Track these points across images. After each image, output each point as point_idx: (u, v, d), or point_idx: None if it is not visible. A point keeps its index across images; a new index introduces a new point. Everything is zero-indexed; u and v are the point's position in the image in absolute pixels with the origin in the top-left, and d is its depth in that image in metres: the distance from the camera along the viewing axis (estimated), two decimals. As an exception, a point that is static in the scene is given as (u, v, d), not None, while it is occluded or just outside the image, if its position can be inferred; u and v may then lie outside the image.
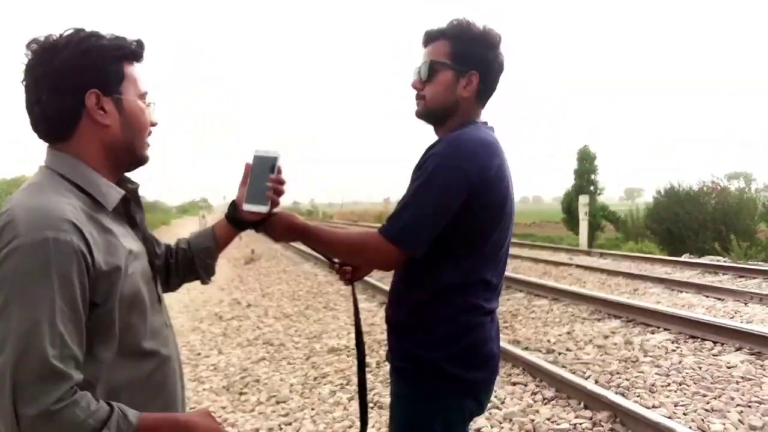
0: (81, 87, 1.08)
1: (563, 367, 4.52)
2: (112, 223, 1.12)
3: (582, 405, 3.74)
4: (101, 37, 1.12)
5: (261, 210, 1.41)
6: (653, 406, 3.70)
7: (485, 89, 1.56)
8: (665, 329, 5.55)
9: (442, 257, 1.45)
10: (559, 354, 4.96)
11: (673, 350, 4.93)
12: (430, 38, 1.56)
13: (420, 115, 1.59)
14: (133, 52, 1.16)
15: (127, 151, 1.18)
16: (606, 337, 5.44)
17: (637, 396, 3.91)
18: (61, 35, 1.09)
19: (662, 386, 4.09)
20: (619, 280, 9.25)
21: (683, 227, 16.50)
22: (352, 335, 5.74)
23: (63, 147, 1.12)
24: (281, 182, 1.41)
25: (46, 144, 1.15)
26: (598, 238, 18.53)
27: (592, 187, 19.18)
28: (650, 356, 4.76)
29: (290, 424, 3.84)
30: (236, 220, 1.46)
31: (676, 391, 3.99)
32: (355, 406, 4.01)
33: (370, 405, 4.01)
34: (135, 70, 1.18)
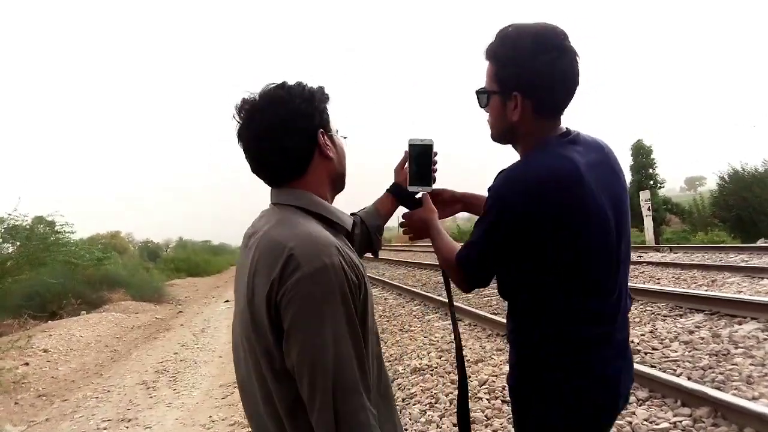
0: (312, 128, 1.26)
1: (652, 366, 4.46)
2: (349, 245, 1.28)
3: (679, 403, 3.70)
4: (306, 85, 1.29)
5: (426, 189, 1.69)
6: (753, 398, 3.61)
7: (542, 104, 1.40)
8: (752, 318, 5.40)
9: (539, 298, 1.39)
10: (645, 354, 4.88)
11: (765, 339, 4.78)
12: (485, 58, 1.46)
13: (492, 139, 1.55)
14: (327, 96, 1.33)
15: (341, 179, 1.38)
16: (691, 332, 5.32)
17: (735, 389, 3.82)
18: (273, 89, 1.26)
19: (759, 377, 3.98)
20: (695, 273, 8.98)
21: (754, 211, 15.89)
22: (433, 355, 5.85)
23: (294, 184, 1.28)
24: (434, 162, 1.69)
25: (277, 186, 1.30)
26: (664, 232, 18.01)
27: (651, 182, 18.71)
28: (741, 347, 4.64)
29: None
30: (403, 198, 1.73)
31: (775, 381, 3.88)
32: (447, 423, 4.07)
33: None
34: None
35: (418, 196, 1.71)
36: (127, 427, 5.34)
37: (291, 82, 1.30)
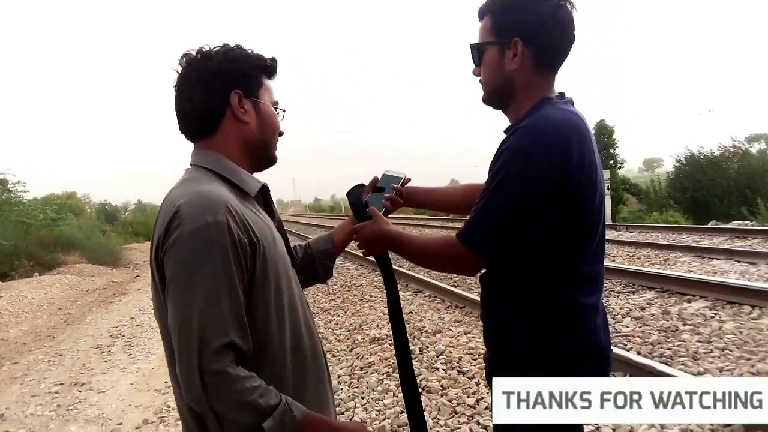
0: (227, 88, 1.25)
1: (604, 341, 4.58)
2: (257, 208, 1.28)
3: (627, 376, 3.81)
4: (245, 49, 1.29)
5: (376, 209, 1.57)
6: (699, 373, 3.77)
7: (542, 53, 1.34)
8: (701, 297, 5.60)
9: (536, 258, 1.30)
10: (598, 329, 5.01)
11: (712, 317, 4.98)
12: (479, 18, 1.42)
13: (483, 102, 1.45)
14: (270, 66, 1.33)
15: (262, 149, 1.34)
16: (642, 308, 5.50)
17: (681, 364, 3.97)
18: (211, 48, 1.27)
19: (705, 353, 4.15)
20: (648, 251, 9.25)
21: (707, 194, 16.39)
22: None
23: (208, 144, 1.28)
24: (400, 194, 1.63)
25: (193, 144, 1.31)
26: (621, 211, 18.45)
27: (612, 161, 19.10)
28: (689, 324, 4.82)
29: (343, 413, 3.94)
30: (358, 209, 1.62)
31: (719, 357, 4.06)
32: (404, 392, 4.12)
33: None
34: (269, 82, 1.34)
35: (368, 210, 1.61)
36: (80, 391, 5.24)
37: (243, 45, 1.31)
